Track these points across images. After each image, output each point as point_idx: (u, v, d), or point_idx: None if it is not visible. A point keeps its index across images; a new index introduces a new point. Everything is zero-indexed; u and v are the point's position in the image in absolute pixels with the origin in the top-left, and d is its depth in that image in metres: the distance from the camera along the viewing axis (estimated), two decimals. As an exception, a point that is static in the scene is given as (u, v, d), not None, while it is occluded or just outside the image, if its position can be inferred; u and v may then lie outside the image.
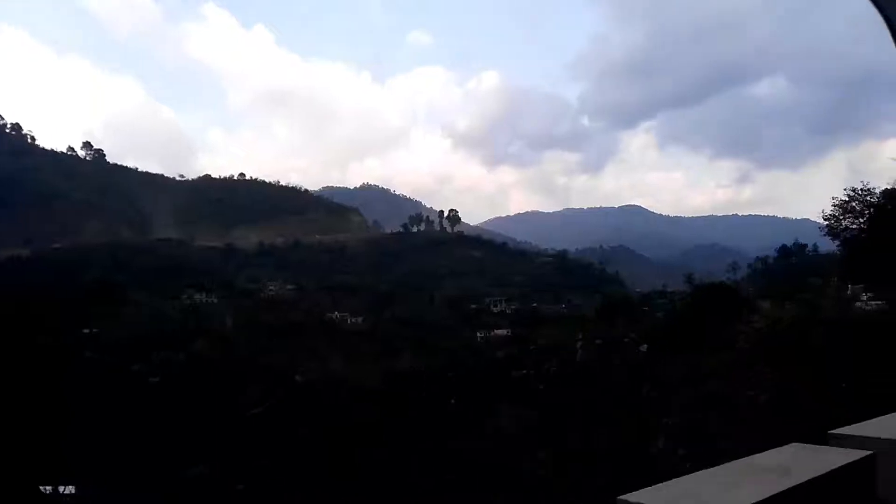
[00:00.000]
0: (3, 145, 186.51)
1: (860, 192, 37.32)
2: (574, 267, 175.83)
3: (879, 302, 33.39)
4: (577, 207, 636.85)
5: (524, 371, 51.32)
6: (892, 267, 32.94)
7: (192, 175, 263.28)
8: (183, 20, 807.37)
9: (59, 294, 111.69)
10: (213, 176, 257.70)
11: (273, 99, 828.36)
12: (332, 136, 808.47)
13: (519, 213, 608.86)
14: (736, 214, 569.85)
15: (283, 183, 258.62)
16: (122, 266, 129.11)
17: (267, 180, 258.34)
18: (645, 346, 37.34)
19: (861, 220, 37.86)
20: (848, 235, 39.20)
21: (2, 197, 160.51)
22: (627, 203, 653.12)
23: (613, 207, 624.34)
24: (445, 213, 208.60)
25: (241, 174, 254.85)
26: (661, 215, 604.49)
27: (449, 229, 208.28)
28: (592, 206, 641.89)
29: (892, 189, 36.74)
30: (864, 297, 32.92)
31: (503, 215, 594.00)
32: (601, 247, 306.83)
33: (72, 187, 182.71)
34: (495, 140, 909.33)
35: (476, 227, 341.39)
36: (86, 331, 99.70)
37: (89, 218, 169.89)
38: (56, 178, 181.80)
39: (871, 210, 37.64)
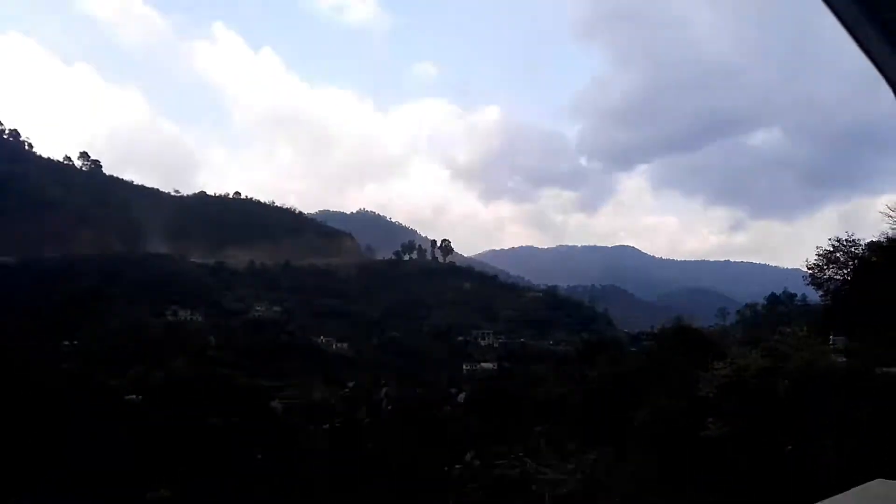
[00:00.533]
0: (1, 152, 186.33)
1: (845, 243, 37.50)
2: (564, 303, 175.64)
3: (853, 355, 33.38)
4: (572, 245, 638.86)
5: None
6: (874, 318, 32.91)
7: (189, 191, 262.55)
8: (191, 38, 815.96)
9: (44, 304, 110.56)
10: (208, 193, 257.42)
11: (275, 121, 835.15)
12: (332, 160, 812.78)
13: (513, 248, 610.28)
14: (728, 260, 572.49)
15: (278, 204, 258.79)
16: (111, 278, 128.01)
17: (262, 200, 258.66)
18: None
19: (845, 271, 37.97)
20: (831, 286, 39.29)
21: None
22: (621, 243, 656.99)
23: (607, 247, 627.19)
24: (438, 243, 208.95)
25: (237, 193, 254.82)
26: (653, 257, 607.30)
27: (441, 259, 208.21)
28: (586, 244, 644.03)
29: (878, 242, 36.91)
30: (839, 348, 32.75)
31: (498, 248, 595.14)
32: (593, 285, 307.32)
33: (66, 196, 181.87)
34: (494, 174, 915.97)
35: (470, 259, 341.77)
36: (66, 342, 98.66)
37: (81, 228, 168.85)
38: (50, 187, 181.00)
39: (856, 262, 37.80)
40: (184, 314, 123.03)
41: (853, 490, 2.92)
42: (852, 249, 37.39)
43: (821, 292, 40.44)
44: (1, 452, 47.36)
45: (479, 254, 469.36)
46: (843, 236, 37.60)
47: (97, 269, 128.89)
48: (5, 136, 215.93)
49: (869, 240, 37.39)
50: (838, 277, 38.14)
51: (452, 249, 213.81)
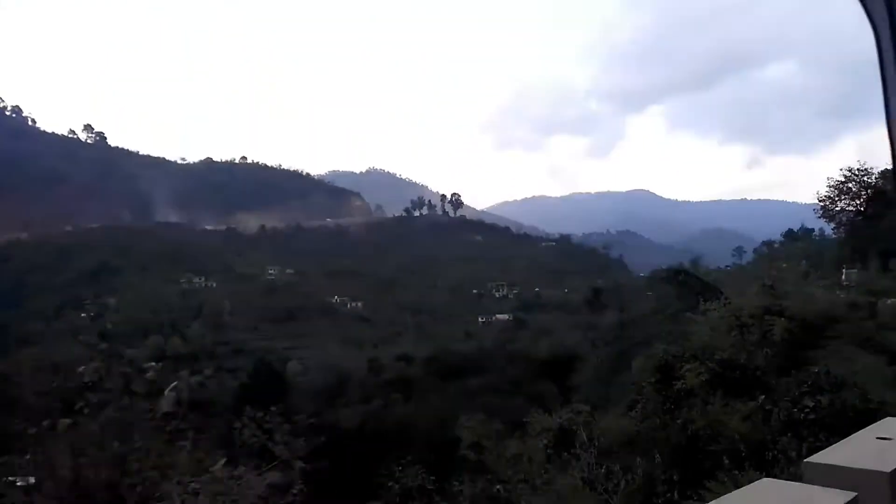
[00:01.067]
0: (3, 128, 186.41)
1: (857, 173, 36.11)
2: (578, 252, 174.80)
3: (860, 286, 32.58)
4: (585, 192, 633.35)
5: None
6: (888, 248, 31.90)
7: (196, 158, 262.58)
8: None
9: (58, 278, 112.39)
10: (214, 159, 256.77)
11: (282, 82, 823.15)
12: (339, 119, 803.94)
13: (526, 198, 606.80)
14: (745, 199, 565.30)
15: (284, 166, 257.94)
16: (122, 250, 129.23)
17: (268, 164, 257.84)
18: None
19: (858, 202, 36.72)
20: (844, 218, 38.12)
21: (0, 181, 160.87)
22: (635, 188, 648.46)
23: (621, 192, 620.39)
24: (448, 197, 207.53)
25: (243, 157, 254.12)
26: (669, 200, 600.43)
27: (452, 213, 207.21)
28: (600, 190, 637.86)
29: (891, 169, 35.58)
30: (849, 283, 31.91)
31: (510, 200, 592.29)
32: (608, 231, 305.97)
33: (72, 171, 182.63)
34: (503, 124, 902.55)
35: (482, 212, 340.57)
36: (83, 315, 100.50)
37: (90, 202, 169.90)
38: (56, 162, 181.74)
39: (868, 191, 36.47)
40: (198, 281, 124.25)
41: (739, 490, 2.93)
42: (865, 179, 35.98)
43: (833, 224, 39.36)
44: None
45: (492, 206, 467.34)
46: (856, 166, 36.27)
47: (108, 242, 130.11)
48: (7, 113, 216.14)
49: (882, 168, 36.03)
50: (851, 209, 36.94)
51: (463, 203, 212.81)
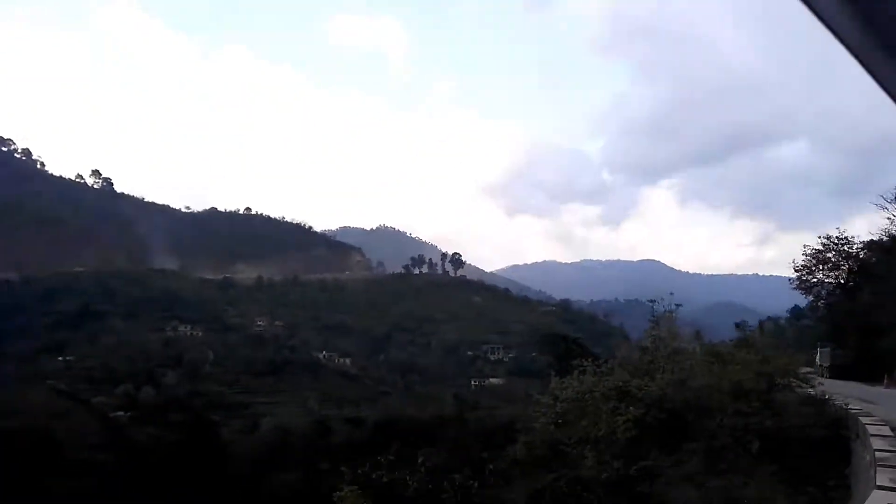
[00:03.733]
0: (10, 170, 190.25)
1: (836, 242, 34.89)
2: (578, 318, 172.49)
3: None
4: (595, 259, 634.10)
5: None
6: (866, 326, 30.33)
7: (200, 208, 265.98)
8: (207, 56, 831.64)
9: (40, 320, 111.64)
10: (219, 209, 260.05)
11: (295, 138, 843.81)
12: (353, 176, 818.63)
13: (536, 262, 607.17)
14: (757, 274, 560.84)
15: (287, 219, 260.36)
16: (110, 295, 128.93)
17: (272, 215, 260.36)
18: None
19: (836, 273, 35.36)
20: (822, 291, 36.67)
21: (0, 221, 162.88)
22: (646, 258, 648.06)
23: (632, 261, 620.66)
24: (448, 256, 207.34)
25: (247, 208, 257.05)
26: (680, 271, 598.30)
27: (452, 273, 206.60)
28: (610, 258, 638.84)
29: (878, 241, 34.04)
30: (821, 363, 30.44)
31: (520, 263, 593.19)
32: (616, 299, 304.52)
33: (73, 214, 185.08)
34: (516, 190, 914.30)
35: (492, 274, 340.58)
36: (60, 358, 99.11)
37: (87, 245, 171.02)
38: (58, 205, 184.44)
39: (849, 262, 35.13)
40: (184, 330, 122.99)
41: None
42: (845, 248, 34.81)
43: (810, 297, 37.91)
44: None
45: (502, 269, 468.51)
46: (835, 234, 35.14)
47: (97, 286, 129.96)
48: (17, 155, 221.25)
49: (866, 238, 34.72)
50: (829, 280, 35.60)
51: (464, 262, 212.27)
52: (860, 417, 12.82)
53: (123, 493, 49.07)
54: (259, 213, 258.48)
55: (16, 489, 43.67)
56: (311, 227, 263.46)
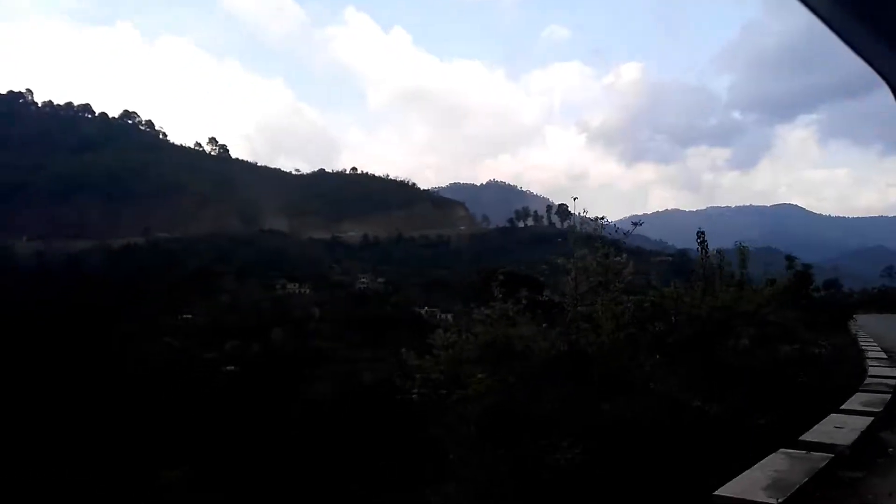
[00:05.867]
0: (135, 141, 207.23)
1: None
2: (695, 267, 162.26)
3: None
4: (724, 206, 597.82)
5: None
6: None
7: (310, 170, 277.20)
8: (327, 24, 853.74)
9: (162, 282, 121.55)
10: (326, 170, 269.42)
11: (409, 98, 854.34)
12: (464, 133, 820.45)
13: (657, 212, 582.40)
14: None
15: (392, 177, 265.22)
16: (225, 256, 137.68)
17: (377, 174, 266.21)
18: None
19: None
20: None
21: (127, 188, 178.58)
22: (782, 202, 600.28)
23: (766, 206, 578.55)
24: (554, 208, 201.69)
25: (353, 168, 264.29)
26: (821, 215, 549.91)
27: (558, 224, 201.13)
28: (741, 203, 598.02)
29: None
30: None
31: (640, 213, 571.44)
32: (743, 246, 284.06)
33: (192, 180, 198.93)
34: (634, 136, 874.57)
35: (607, 226, 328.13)
36: (180, 317, 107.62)
37: (204, 209, 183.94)
38: (179, 172, 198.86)
39: None
40: (292, 288, 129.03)
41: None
42: None
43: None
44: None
45: (620, 220, 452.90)
46: None
47: (213, 248, 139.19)
48: (141, 127, 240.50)
49: None
50: None
51: (571, 214, 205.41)
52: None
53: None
54: (365, 172, 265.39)
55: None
56: (414, 185, 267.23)
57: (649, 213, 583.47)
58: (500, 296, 10.74)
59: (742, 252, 16.85)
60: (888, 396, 8.76)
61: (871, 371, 11.41)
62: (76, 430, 51.60)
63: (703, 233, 16.43)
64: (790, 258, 32.12)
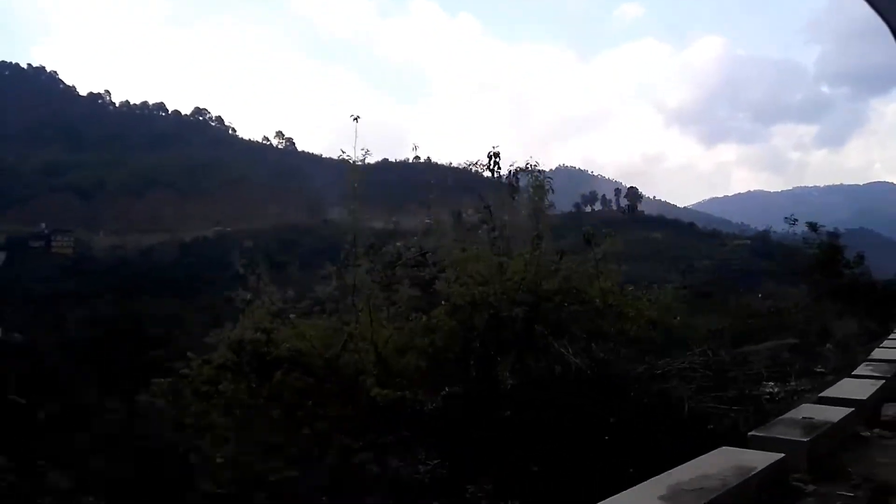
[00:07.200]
0: (206, 137, 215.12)
1: None
2: (776, 250, 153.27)
3: None
4: (812, 186, 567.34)
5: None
6: None
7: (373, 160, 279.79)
8: (392, 15, 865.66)
9: (227, 272, 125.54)
10: (390, 160, 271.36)
11: (477, 84, 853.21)
12: (534, 118, 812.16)
13: (740, 193, 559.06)
14: None
15: (454, 164, 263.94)
16: (288, 246, 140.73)
17: (440, 162, 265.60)
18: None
19: None
20: None
21: (198, 183, 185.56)
22: (875, 180, 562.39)
23: (858, 185, 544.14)
24: (623, 191, 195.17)
25: (416, 157, 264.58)
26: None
27: (628, 208, 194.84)
28: (830, 183, 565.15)
29: None
30: None
31: (721, 195, 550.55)
32: (835, 229, 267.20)
33: (260, 173, 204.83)
34: (714, 115, 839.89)
35: (687, 209, 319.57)
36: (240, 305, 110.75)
37: (270, 201, 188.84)
38: (247, 166, 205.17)
39: None
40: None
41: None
42: None
43: None
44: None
45: (699, 202, 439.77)
46: None
47: (277, 239, 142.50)
48: (212, 123, 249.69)
49: None
50: None
51: (641, 196, 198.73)
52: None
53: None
54: (427, 159, 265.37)
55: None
56: (477, 171, 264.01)
57: (731, 194, 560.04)
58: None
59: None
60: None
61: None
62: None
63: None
64: (812, 224, 28.06)
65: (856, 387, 7.05)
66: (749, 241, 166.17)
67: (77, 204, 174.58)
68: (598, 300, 11.38)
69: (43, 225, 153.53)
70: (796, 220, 27.54)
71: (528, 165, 12.12)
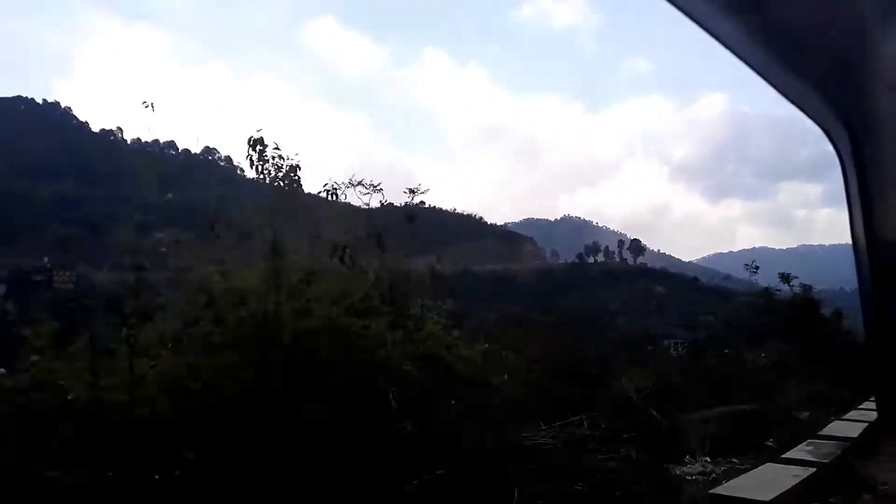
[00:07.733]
0: (213, 175, 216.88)
1: None
2: (781, 308, 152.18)
3: None
4: (817, 244, 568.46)
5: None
6: None
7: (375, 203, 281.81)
8: (404, 65, 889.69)
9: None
10: (394, 204, 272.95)
11: (484, 132, 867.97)
12: (540, 167, 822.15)
13: (744, 249, 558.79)
14: None
15: (459, 210, 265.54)
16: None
17: (444, 208, 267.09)
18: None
19: None
20: None
21: (202, 221, 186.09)
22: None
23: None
24: (627, 243, 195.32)
25: (421, 202, 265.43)
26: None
27: (631, 261, 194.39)
28: (836, 242, 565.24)
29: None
30: None
31: (725, 251, 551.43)
32: (840, 288, 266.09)
33: (259, 214, 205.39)
34: (720, 170, 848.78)
35: (692, 263, 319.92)
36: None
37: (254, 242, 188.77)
38: (248, 206, 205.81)
39: None
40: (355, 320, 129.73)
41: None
42: None
43: None
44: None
45: (704, 257, 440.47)
46: None
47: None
48: (220, 163, 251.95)
49: None
50: None
51: (645, 249, 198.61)
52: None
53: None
54: (432, 205, 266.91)
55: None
56: (482, 218, 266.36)
57: (735, 250, 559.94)
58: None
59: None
60: None
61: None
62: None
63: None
64: (784, 275, 27.31)
65: (770, 476, 5.71)
66: (754, 298, 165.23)
67: (85, 237, 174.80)
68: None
69: (46, 259, 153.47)
70: (791, 276, 27.05)
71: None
